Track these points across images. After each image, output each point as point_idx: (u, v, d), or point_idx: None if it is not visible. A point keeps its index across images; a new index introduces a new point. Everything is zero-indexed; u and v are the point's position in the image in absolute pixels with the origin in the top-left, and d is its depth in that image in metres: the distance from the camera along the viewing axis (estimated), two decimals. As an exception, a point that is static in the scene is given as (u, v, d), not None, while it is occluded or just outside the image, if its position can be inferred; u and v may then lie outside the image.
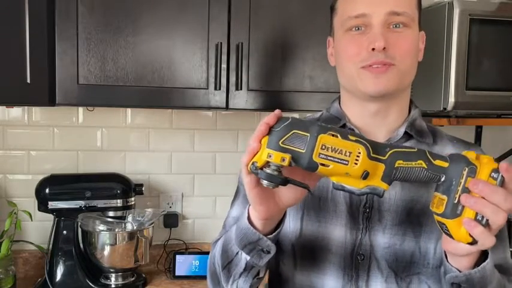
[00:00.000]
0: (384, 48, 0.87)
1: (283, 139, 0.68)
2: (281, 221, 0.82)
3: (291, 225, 0.96)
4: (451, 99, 1.57)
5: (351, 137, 0.69)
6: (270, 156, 0.68)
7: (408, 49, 0.90)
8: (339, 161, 0.68)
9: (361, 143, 0.70)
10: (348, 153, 0.68)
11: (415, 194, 0.92)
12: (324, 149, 0.68)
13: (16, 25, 1.39)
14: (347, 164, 0.69)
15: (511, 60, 1.64)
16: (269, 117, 0.70)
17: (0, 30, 1.38)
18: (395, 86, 0.90)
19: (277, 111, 0.71)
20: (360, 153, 0.69)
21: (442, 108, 1.60)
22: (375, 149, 0.70)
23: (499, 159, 2.00)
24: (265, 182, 0.70)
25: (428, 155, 0.72)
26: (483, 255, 0.78)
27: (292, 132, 0.68)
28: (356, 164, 0.69)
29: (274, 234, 0.81)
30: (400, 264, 0.91)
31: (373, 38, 0.87)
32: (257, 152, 0.70)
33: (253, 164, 0.69)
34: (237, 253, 0.85)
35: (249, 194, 0.74)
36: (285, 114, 0.72)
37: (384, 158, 0.71)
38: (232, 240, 0.85)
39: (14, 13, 1.39)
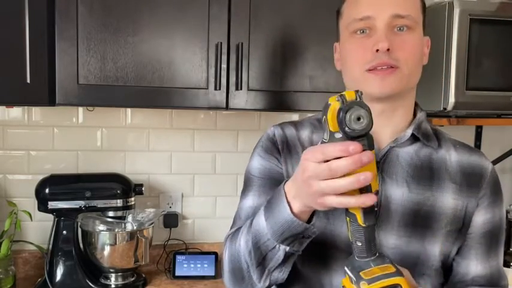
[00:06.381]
0: (388, 49, 0.88)
1: None
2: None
3: None
4: (451, 99, 1.57)
5: None
6: None
7: (412, 52, 0.91)
8: None
9: None
10: None
11: (422, 196, 0.93)
12: None
13: (16, 25, 1.39)
14: None
15: (511, 60, 1.63)
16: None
17: (0, 30, 1.38)
18: (400, 88, 0.92)
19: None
20: None
21: (442, 108, 1.60)
22: None
23: (498, 159, 2.00)
24: None
25: None
26: None
27: None
28: None
29: (314, 220, 0.80)
30: (404, 266, 0.91)
31: (377, 40, 0.89)
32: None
33: None
34: (274, 247, 0.82)
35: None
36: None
37: None
38: (265, 236, 0.82)
39: (14, 13, 1.39)
